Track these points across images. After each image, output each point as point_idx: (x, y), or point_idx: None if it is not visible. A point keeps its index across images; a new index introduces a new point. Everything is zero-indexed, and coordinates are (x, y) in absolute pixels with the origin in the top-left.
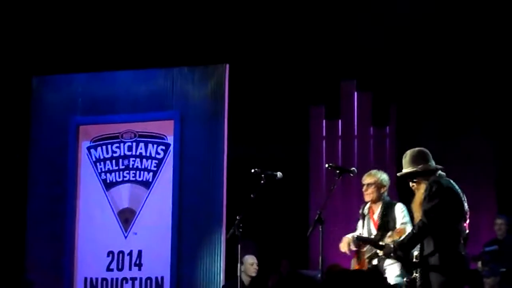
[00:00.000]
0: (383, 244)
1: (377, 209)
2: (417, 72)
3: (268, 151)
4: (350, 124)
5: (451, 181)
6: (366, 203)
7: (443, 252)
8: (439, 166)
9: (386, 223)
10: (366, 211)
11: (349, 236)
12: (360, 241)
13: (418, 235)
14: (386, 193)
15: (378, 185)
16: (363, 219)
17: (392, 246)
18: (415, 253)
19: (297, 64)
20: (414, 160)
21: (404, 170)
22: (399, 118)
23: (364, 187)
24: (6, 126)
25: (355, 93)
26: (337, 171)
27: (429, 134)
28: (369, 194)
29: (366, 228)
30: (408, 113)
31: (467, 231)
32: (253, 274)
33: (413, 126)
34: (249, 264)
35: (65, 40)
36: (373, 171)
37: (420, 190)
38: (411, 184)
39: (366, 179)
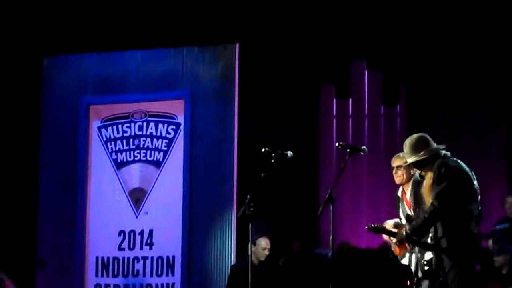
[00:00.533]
0: (395, 231)
1: (408, 189)
2: (427, 50)
3: (278, 130)
4: (361, 103)
5: (459, 161)
6: (399, 186)
7: (454, 232)
8: (441, 146)
9: (417, 201)
10: (399, 194)
11: (389, 222)
12: (373, 231)
13: (430, 220)
14: (416, 173)
15: (407, 166)
16: (399, 203)
17: (404, 232)
18: (430, 234)
19: (307, 43)
20: (415, 148)
21: (409, 160)
22: (409, 96)
23: (394, 170)
24: (17, 107)
25: (366, 72)
26: (348, 150)
27: (439, 112)
28: (399, 177)
29: (402, 211)
30: (418, 92)
31: (480, 207)
32: (262, 259)
33: (423, 104)
34: (262, 248)
35: (75, 20)
36: (401, 153)
37: (428, 175)
38: (418, 171)
39: (395, 162)
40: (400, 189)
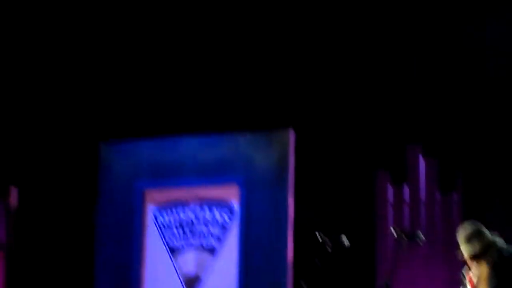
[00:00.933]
0: None
1: (473, 267)
2: (484, 138)
3: (334, 216)
4: (416, 190)
5: None
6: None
7: None
8: (496, 238)
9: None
10: (464, 270)
11: None
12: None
13: None
14: None
15: None
16: (464, 279)
17: None
18: None
19: (362, 128)
20: (468, 239)
21: (464, 253)
22: (466, 183)
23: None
24: (74, 192)
25: (421, 158)
26: (404, 237)
27: (496, 199)
28: (461, 255)
29: None
30: (475, 179)
31: None
32: None
33: (480, 192)
34: None
35: (131, 106)
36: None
37: (483, 265)
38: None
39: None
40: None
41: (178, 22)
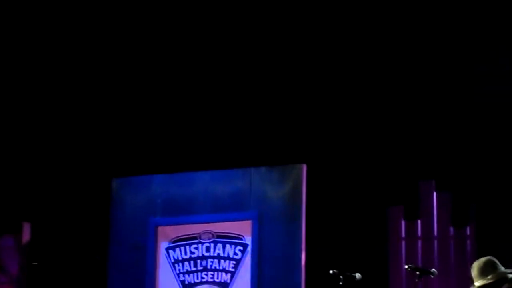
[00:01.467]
0: None
1: None
2: (497, 171)
3: (347, 252)
4: (430, 225)
5: None
6: None
7: None
8: (509, 270)
9: None
10: None
11: None
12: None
13: None
14: None
15: None
16: None
17: None
18: None
19: (375, 164)
20: (482, 272)
21: (476, 284)
22: (479, 217)
23: None
24: (86, 228)
25: (434, 193)
26: (417, 273)
27: (511, 233)
28: None
29: None
30: (489, 213)
31: None
32: None
33: (494, 225)
34: None
35: (143, 142)
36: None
37: None
38: None
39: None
40: None
41: (191, 57)
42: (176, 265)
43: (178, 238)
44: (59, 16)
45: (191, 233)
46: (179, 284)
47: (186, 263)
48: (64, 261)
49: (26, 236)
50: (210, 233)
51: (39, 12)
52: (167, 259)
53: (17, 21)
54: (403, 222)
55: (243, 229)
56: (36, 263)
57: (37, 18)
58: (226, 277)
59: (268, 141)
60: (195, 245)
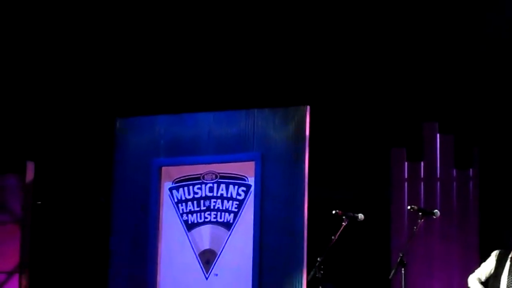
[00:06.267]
0: None
1: None
2: (500, 114)
3: (349, 193)
4: (433, 167)
5: None
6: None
7: None
8: None
9: None
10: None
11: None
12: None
13: None
14: None
15: None
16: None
17: None
18: None
19: (378, 106)
20: None
21: None
22: (482, 160)
23: None
24: (90, 169)
25: (437, 135)
26: (420, 213)
27: None
28: None
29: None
30: (492, 155)
31: None
32: None
33: (496, 168)
34: None
35: (147, 82)
36: None
37: None
38: None
39: None
40: None
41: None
42: (179, 205)
43: (181, 178)
44: None
45: (194, 173)
46: (182, 224)
47: (189, 203)
48: (67, 201)
49: (29, 175)
50: (213, 173)
51: None
52: (170, 199)
53: None
54: (406, 164)
55: (246, 170)
56: (39, 202)
57: None
58: (229, 217)
59: (272, 82)
60: (198, 185)
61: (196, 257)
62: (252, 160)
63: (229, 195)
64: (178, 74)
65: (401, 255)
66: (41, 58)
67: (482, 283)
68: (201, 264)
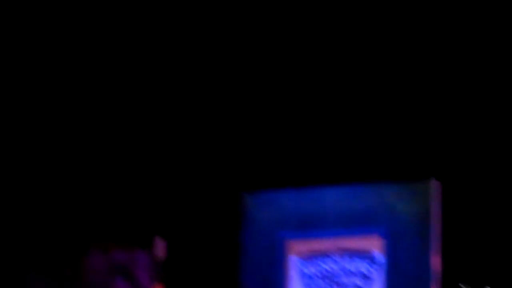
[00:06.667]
0: None
1: None
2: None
3: (477, 266)
4: None
5: None
6: None
7: None
8: None
9: None
10: None
11: None
12: None
13: None
14: None
15: None
16: None
17: None
18: None
19: (509, 177)
20: None
21: None
22: None
23: None
24: (217, 244)
25: None
26: None
27: None
28: None
29: None
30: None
31: None
32: None
33: None
34: None
35: (275, 156)
36: None
37: None
38: None
39: None
40: None
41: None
42: (306, 280)
43: (308, 252)
44: None
45: (321, 248)
46: None
47: (316, 278)
48: (196, 276)
49: (159, 251)
50: (340, 248)
51: None
52: (297, 274)
53: None
54: None
55: (374, 244)
56: (168, 278)
57: None
58: None
59: (400, 156)
60: (325, 260)
61: None
62: (379, 235)
63: (355, 270)
64: (305, 148)
65: None
66: (165, 133)
67: None
68: None
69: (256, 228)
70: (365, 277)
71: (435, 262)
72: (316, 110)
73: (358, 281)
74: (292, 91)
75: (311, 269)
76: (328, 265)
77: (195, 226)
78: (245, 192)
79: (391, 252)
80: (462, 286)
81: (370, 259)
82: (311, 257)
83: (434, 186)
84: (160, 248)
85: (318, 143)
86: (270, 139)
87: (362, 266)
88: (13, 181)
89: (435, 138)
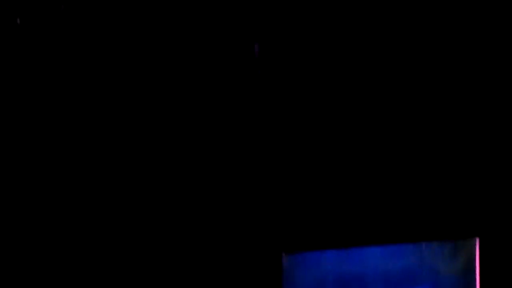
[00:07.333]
0: None
1: None
2: None
3: None
4: None
5: None
6: None
7: None
8: None
9: None
10: None
11: None
12: None
13: None
14: None
15: None
16: None
17: None
18: None
19: None
20: None
21: None
22: None
23: None
24: None
25: None
26: None
27: None
28: None
29: None
30: None
31: None
32: None
33: None
34: None
35: (314, 216)
36: None
37: None
38: None
39: None
40: None
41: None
42: None
43: None
44: None
45: None
46: None
47: None
48: None
49: None
50: None
51: None
52: None
53: None
54: None
55: None
56: None
57: None
58: None
59: (440, 215)
60: None
61: None
62: None
63: None
64: (344, 209)
65: None
66: None
67: None
68: None
69: None
70: None
71: None
72: (355, 172)
73: None
74: (335, 152)
75: None
76: None
77: (235, 286)
78: (285, 252)
79: None
80: None
81: None
82: None
83: (475, 244)
84: None
85: (358, 203)
86: (310, 198)
87: None
88: None
89: (476, 196)
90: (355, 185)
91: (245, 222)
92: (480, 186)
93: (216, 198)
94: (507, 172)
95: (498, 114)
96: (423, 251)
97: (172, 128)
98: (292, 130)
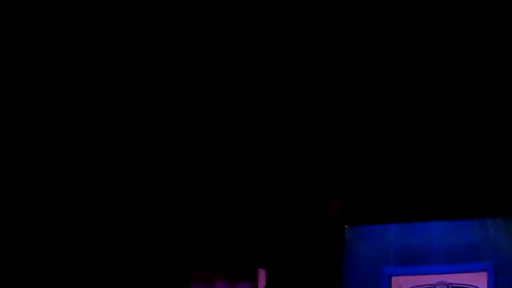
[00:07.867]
0: None
1: None
2: None
3: None
4: None
5: None
6: None
7: None
8: None
9: None
10: None
11: None
12: None
13: None
14: None
15: None
16: None
17: None
18: None
19: None
20: None
21: None
22: None
23: None
24: (319, 276)
25: None
26: None
27: None
28: None
29: None
30: None
31: None
32: None
33: None
34: None
35: (378, 190)
36: None
37: None
38: None
39: None
40: None
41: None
42: None
43: None
44: None
45: (425, 283)
46: None
47: None
48: None
49: (261, 282)
50: (445, 284)
51: None
52: None
53: None
54: None
55: (479, 280)
56: None
57: None
58: None
59: (504, 191)
60: None
61: None
62: (484, 271)
63: None
64: (409, 183)
65: None
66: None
67: None
68: None
69: (358, 261)
70: None
71: None
72: (420, 147)
73: None
74: (401, 126)
75: None
76: None
77: (297, 258)
78: (348, 225)
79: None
80: None
81: None
82: None
83: None
84: (262, 279)
85: (423, 178)
86: (375, 172)
87: None
88: (110, 208)
89: None
90: (421, 161)
91: (310, 197)
92: None
93: (282, 173)
94: None
95: None
96: (487, 227)
97: None
98: None
